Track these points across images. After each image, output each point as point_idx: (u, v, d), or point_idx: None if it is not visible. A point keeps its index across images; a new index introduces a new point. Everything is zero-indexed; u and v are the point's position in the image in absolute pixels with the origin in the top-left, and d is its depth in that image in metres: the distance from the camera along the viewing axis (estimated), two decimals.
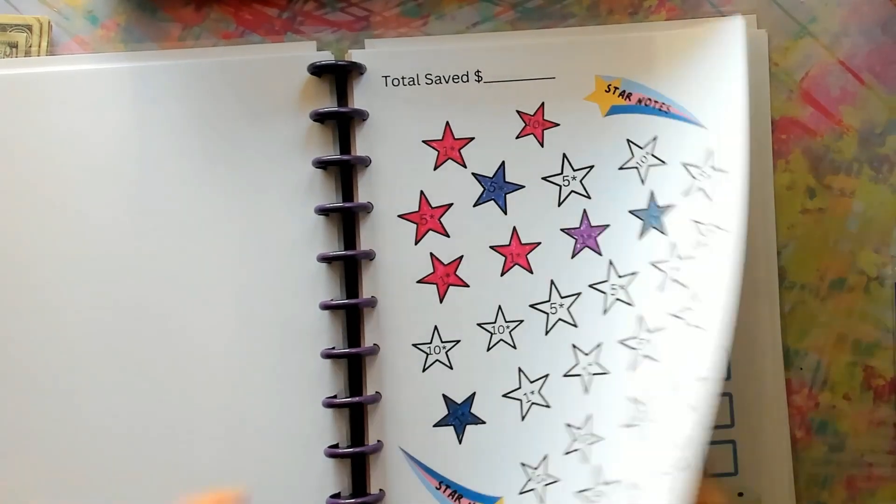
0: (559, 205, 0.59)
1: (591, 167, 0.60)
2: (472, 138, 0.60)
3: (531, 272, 0.59)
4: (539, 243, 0.59)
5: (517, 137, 0.60)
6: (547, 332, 0.59)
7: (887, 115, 0.62)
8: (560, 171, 0.60)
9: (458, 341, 0.59)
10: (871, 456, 0.61)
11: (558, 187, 0.59)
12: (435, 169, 0.60)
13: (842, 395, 0.62)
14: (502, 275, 0.59)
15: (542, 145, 0.60)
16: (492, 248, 0.59)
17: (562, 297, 0.59)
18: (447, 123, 0.60)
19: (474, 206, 0.60)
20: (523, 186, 0.60)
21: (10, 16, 0.60)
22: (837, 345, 0.62)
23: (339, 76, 0.60)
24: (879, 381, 0.62)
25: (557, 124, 0.60)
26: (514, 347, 0.59)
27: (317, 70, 0.59)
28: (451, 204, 0.60)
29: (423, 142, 0.60)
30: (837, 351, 0.62)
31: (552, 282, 0.59)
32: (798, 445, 0.61)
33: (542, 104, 0.60)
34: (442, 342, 0.59)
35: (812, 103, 0.62)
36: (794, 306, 0.62)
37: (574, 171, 0.60)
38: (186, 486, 0.57)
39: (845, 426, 0.62)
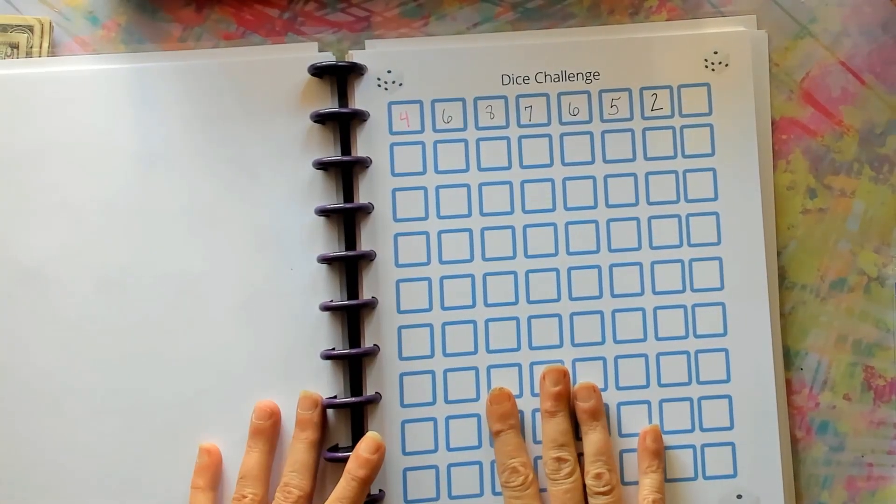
0: None
1: None
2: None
3: None
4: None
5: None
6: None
7: (888, 115, 0.63)
8: None
9: None
10: (871, 456, 0.62)
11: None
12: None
13: (842, 395, 0.62)
14: None
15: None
16: None
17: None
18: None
19: None
20: None
21: (12, 16, 0.60)
22: (837, 345, 0.62)
23: (340, 77, 0.60)
24: (880, 382, 0.62)
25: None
26: None
27: (317, 71, 0.59)
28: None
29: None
30: (837, 351, 0.62)
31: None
32: (798, 445, 0.61)
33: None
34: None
35: (812, 103, 0.62)
36: (794, 306, 0.62)
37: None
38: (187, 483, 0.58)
39: (845, 426, 0.62)
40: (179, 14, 0.61)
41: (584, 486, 0.57)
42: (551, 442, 0.57)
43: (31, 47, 0.59)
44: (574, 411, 0.59)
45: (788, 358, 0.61)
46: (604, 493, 0.56)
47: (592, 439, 0.57)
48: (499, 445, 0.57)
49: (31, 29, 0.59)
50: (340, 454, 0.57)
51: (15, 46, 0.59)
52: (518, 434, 0.58)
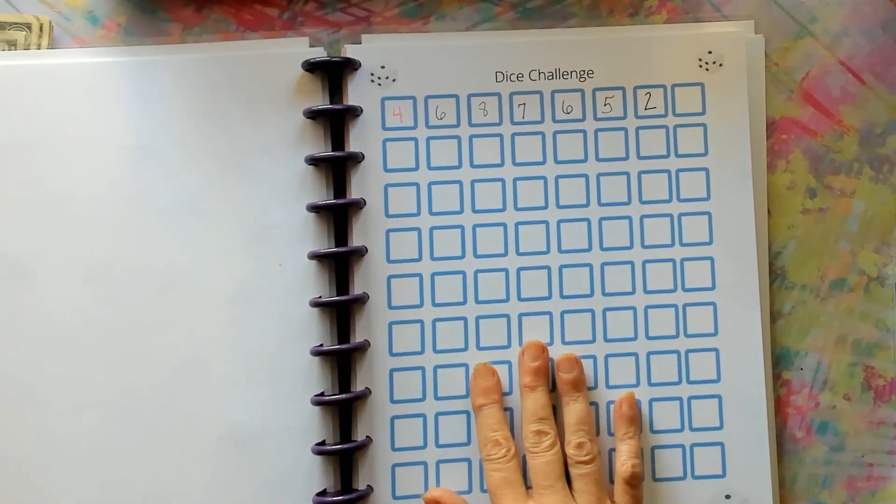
0: None
1: None
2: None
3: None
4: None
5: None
6: None
7: (888, 115, 0.62)
8: None
9: None
10: (871, 456, 0.61)
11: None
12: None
13: (842, 396, 0.62)
14: None
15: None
16: None
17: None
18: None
19: None
20: None
21: (10, 14, 0.60)
22: (837, 345, 0.62)
23: (333, 73, 0.60)
24: (879, 382, 0.62)
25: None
26: None
27: (311, 66, 0.59)
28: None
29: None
30: (837, 351, 0.62)
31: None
32: (798, 445, 0.61)
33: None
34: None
35: (812, 103, 0.62)
36: (794, 306, 0.62)
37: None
38: (174, 483, 0.58)
39: (845, 426, 0.62)
40: (179, 14, 0.62)
41: (565, 457, 0.57)
42: (531, 416, 0.57)
43: (30, 46, 0.59)
44: (555, 383, 0.59)
45: (788, 358, 0.61)
46: (585, 462, 0.56)
47: (574, 409, 0.57)
48: (481, 420, 0.57)
49: (28, 27, 0.59)
50: (327, 447, 0.58)
51: (13, 44, 0.59)
52: (501, 409, 0.58)
